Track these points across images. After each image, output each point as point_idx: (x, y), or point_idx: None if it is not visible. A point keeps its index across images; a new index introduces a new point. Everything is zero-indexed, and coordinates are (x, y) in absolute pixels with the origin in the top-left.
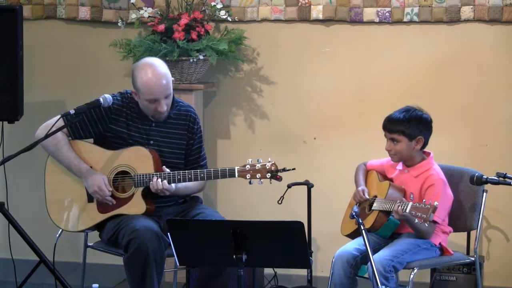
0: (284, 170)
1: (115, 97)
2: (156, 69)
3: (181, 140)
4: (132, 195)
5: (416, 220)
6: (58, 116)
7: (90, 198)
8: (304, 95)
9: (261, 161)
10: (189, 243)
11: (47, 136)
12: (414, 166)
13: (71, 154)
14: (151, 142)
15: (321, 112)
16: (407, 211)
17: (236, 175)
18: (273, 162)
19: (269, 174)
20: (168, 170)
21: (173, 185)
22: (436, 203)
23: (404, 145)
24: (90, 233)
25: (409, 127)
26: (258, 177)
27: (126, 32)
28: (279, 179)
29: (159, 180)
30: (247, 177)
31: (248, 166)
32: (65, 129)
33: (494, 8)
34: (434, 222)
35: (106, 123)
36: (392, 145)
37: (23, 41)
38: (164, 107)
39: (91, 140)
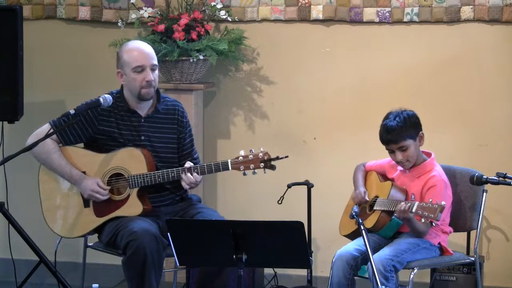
0: (277, 158)
1: None
2: (139, 42)
3: (172, 135)
4: (128, 196)
5: (423, 220)
6: (47, 124)
7: (86, 203)
8: (304, 95)
9: (253, 151)
10: (189, 243)
11: (40, 140)
12: (415, 167)
13: (62, 161)
14: (142, 138)
15: (321, 112)
16: (413, 210)
17: (230, 168)
18: (265, 151)
19: (263, 163)
20: (191, 163)
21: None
22: (443, 202)
23: (413, 147)
24: None
25: (409, 128)
26: (251, 167)
27: (126, 32)
28: (273, 167)
29: (189, 174)
30: (241, 169)
31: (241, 157)
32: (55, 137)
33: (494, 8)
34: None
35: (95, 125)
36: (402, 154)
37: (23, 41)
38: (151, 76)
39: (82, 144)
